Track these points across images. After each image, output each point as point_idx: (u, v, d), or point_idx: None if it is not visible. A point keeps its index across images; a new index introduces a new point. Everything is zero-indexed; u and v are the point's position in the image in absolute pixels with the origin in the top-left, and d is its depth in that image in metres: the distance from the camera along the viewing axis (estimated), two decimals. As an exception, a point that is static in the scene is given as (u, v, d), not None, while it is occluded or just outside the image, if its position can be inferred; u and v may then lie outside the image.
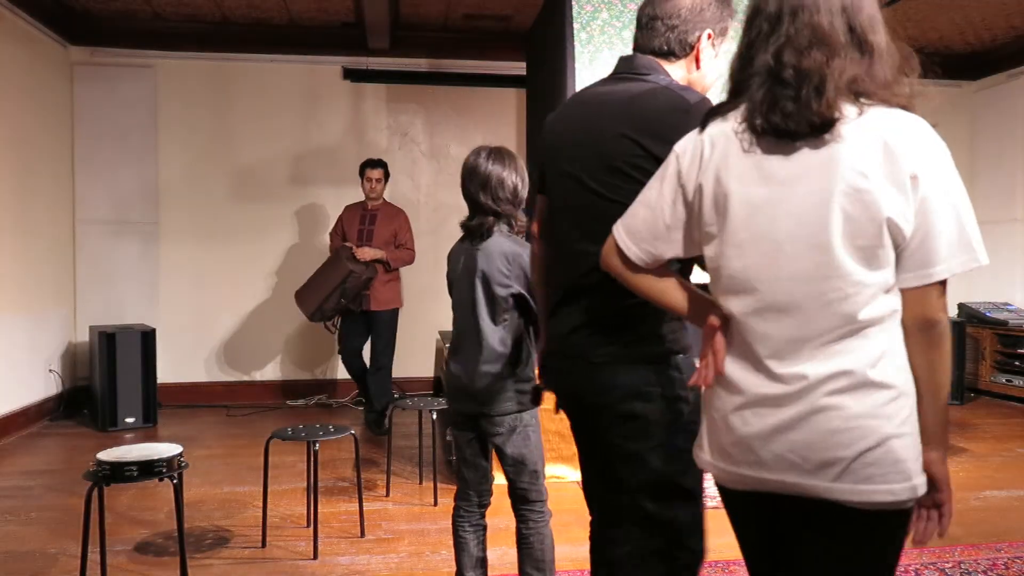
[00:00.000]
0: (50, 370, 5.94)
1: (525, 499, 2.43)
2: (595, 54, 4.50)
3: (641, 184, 1.54)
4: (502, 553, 3.30)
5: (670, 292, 1.51)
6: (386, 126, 6.77)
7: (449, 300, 2.52)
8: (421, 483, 4.28)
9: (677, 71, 1.78)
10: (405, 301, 5.73)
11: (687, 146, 1.46)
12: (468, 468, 2.51)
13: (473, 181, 2.37)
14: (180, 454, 2.83)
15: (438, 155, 6.87)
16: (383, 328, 5.48)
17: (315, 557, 3.24)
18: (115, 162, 6.36)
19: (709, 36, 1.77)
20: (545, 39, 5.12)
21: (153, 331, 5.82)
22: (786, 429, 1.32)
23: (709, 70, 1.81)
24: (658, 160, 1.56)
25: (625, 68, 1.80)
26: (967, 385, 6.60)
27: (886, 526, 1.33)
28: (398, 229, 5.49)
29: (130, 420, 5.61)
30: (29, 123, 5.66)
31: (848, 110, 1.30)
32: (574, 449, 3.98)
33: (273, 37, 6.47)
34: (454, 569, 2.58)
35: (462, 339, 2.45)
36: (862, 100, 1.32)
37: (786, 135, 1.32)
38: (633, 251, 1.50)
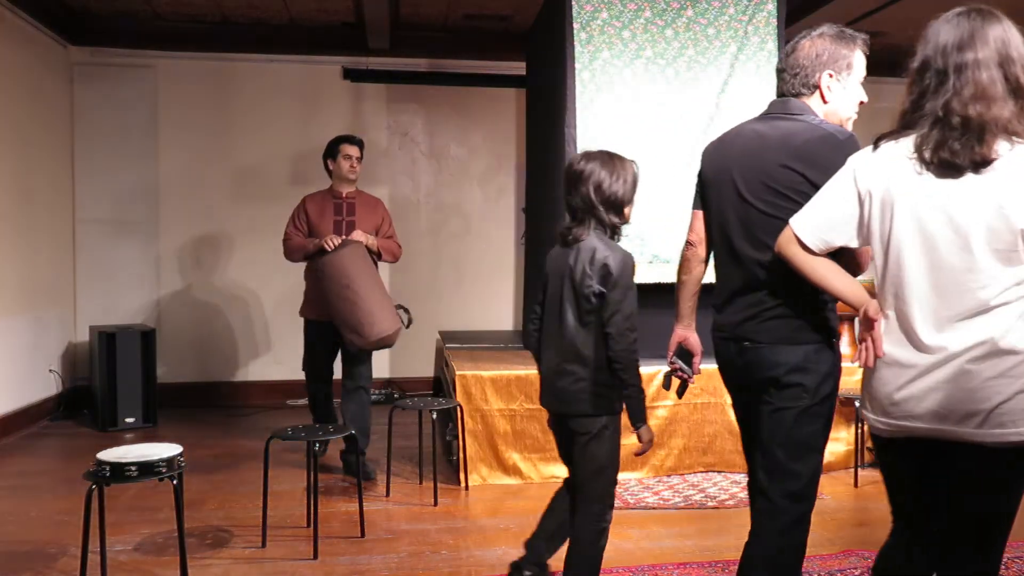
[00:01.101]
0: (50, 370, 5.94)
1: (582, 494, 2.47)
2: (595, 54, 4.50)
3: (799, 204, 1.98)
4: (502, 553, 3.31)
5: (833, 276, 1.90)
6: (386, 126, 6.77)
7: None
8: (421, 483, 4.28)
9: (815, 106, 2.19)
10: (405, 301, 5.72)
11: (863, 158, 1.86)
12: (564, 462, 2.61)
13: (569, 183, 2.43)
14: (180, 454, 2.83)
15: (438, 155, 6.87)
16: None
17: (315, 557, 3.24)
18: (115, 162, 6.36)
19: (830, 75, 2.18)
20: (545, 39, 5.12)
21: (153, 331, 5.82)
22: (935, 390, 1.72)
23: (839, 101, 2.20)
24: (815, 185, 2.00)
25: (780, 109, 2.21)
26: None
27: (1020, 460, 1.71)
28: (381, 221, 4.61)
29: (130, 420, 5.60)
30: (29, 123, 5.66)
31: (1002, 147, 1.66)
32: None
33: (273, 37, 6.47)
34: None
35: (550, 339, 2.50)
36: (1014, 138, 1.66)
37: (951, 167, 1.68)
38: (809, 238, 1.89)
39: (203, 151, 6.52)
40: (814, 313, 2.12)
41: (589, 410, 2.42)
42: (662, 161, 4.56)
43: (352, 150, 4.57)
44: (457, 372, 4.35)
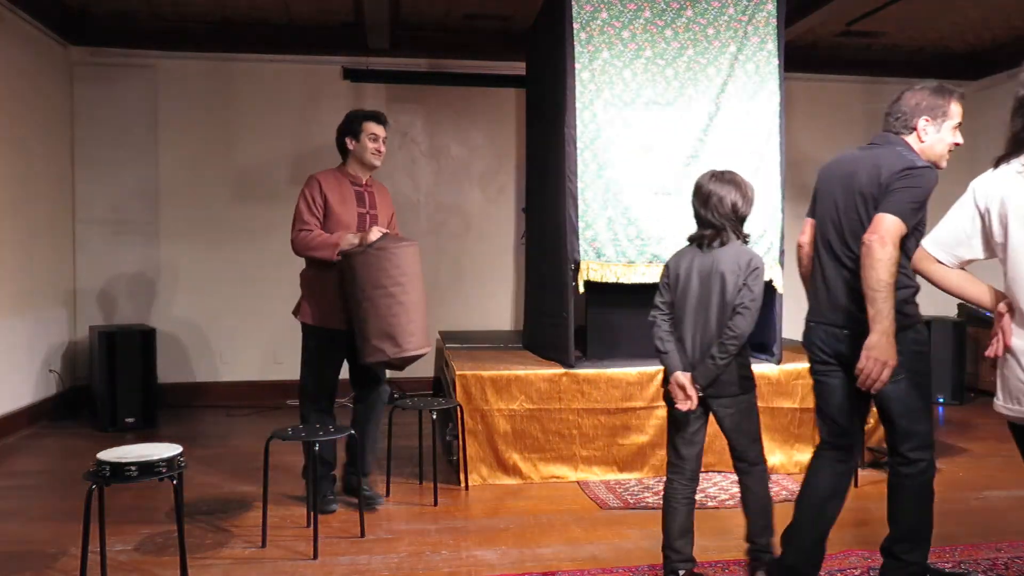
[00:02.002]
0: (50, 370, 5.94)
1: (743, 459, 2.89)
2: (595, 54, 4.50)
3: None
4: (501, 553, 3.31)
5: (969, 285, 2.18)
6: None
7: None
8: (421, 483, 4.28)
9: (912, 143, 2.68)
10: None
11: (982, 179, 2.13)
12: (688, 446, 2.91)
13: (698, 198, 2.89)
14: (180, 454, 2.83)
15: (438, 155, 6.87)
16: None
17: (315, 557, 3.24)
18: (115, 162, 6.36)
19: (927, 120, 2.67)
20: (545, 39, 5.12)
21: (153, 331, 5.82)
22: None
23: (934, 141, 2.68)
24: (887, 193, 2.52)
25: (879, 141, 2.73)
26: (967, 385, 6.60)
27: None
28: (392, 214, 4.13)
29: (130, 420, 5.60)
30: (29, 123, 5.66)
31: None
32: (574, 449, 4.18)
33: (273, 37, 6.47)
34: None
35: (693, 329, 2.85)
36: None
37: None
38: (943, 255, 2.19)
39: (203, 151, 6.52)
40: (899, 304, 2.52)
41: (737, 391, 2.82)
42: (662, 161, 4.56)
43: (379, 129, 3.92)
44: (457, 372, 4.35)
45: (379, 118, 3.95)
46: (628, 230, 4.51)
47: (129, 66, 6.39)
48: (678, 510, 2.90)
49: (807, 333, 2.83)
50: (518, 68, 6.26)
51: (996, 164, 2.11)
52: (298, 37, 6.50)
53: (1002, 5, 5.94)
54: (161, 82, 6.45)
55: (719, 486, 4.23)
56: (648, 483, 4.29)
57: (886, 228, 2.43)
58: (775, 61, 4.63)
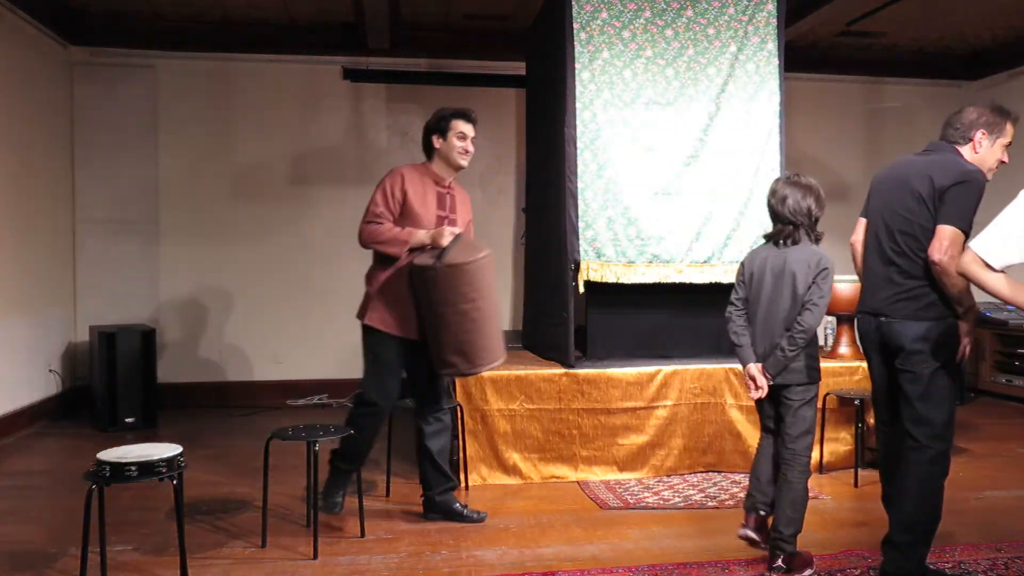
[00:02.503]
0: (50, 370, 5.94)
1: (791, 447, 3.03)
2: (595, 54, 4.50)
3: (931, 212, 2.76)
4: (501, 553, 3.31)
5: (1015, 288, 2.31)
6: (386, 126, 6.77)
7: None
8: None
9: (965, 153, 2.90)
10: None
11: None
12: (770, 421, 3.17)
13: (775, 198, 3.07)
14: (180, 454, 2.83)
15: (438, 155, 6.86)
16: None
17: (315, 557, 3.24)
18: (115, 162, 6.36)
19: (983, 134, 2.90)
20: (545, 39, 5.12)
21: (153, 331, 5.82)
22: None
23: (986, 155, 2.91)
24: (941, 201, 2.74)
25: (934, 147, 2.97)
26: (967, 385, 6.60)
27: None
28: (470, 221, 3.88)
29: (130, 420, 5.60)
30: (29, 123, 5.66)
31: None
32: (574, 449, 4.19)
33: (273, 37, 6.47)
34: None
35: (764, 323, 3.05)
36: None
37: None
38: (992, 259, 2.32)
39: (203, 151, 6.52)
40: (933, 297, 2.79)
41: (804, 380, 3.02)
42: (662, 161, 4.56)
43: (468, 128, 3.68)
44: (457, 372, 4.34)
45: (468, 116, 3.70)
46: (628, 230, 4.51)
47: (129, 66, 6.38)
48: (765, 462, 3.15)
49: (856, 322, 3.14)
50: (518, 68, 6.25)
51: None
52: (298, 37, 6.49)
53: (1002, 5, 5.94)
54: (161, 82, 6.45)
55: (719, 486, 4.23)
56: (648, 483, 4.29)
57: (952, 242, 2.68)
58: (775, 61, 4.63)
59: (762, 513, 3.12)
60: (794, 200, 3.02)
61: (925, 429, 2.80)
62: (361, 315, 3.65)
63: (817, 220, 3.08)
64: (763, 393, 3.04)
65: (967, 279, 2.46)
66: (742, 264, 3.19)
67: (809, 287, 2.97)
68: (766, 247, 3.13)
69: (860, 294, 3.09)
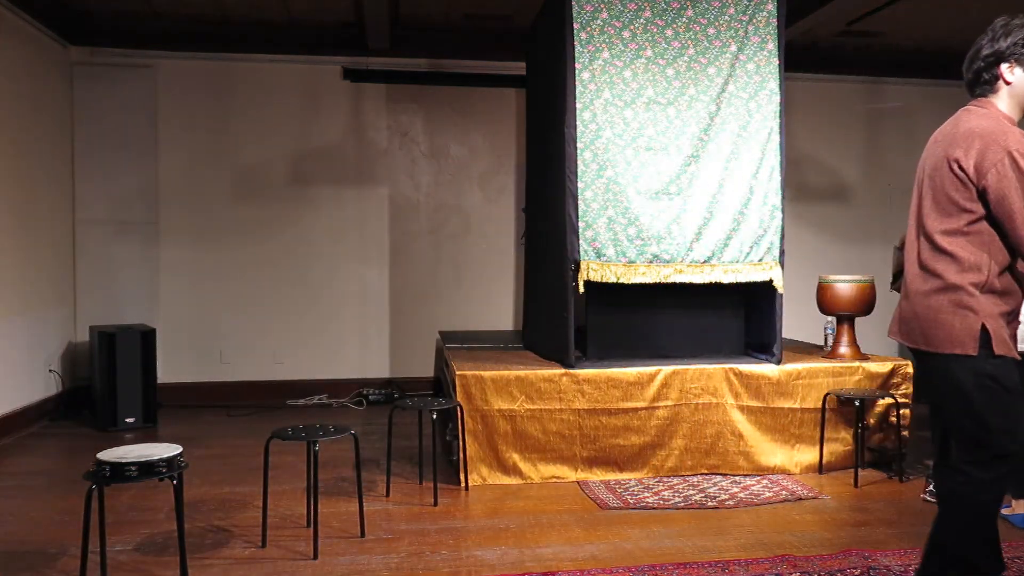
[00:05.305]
0: (50, 370, 5.94)
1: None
2: (595, 54, 4.50)
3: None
4: (501, 553, 3.31)
5: None
6: (386, 126, 6.77)
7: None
8: (421, 483, 4.28)
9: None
10: (405, 301, 5.66)
11: None
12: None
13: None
14: (180, 454, 2.84)
15: (438, 155, 6.87)
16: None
17: (315, 557, 3.24)
18: (115, 162, 6.36)
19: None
20: (545, 39, 5.12)
21: (153, 331, 5.82)
22: None
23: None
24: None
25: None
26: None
27: None
28: None
29: (130, 420, 5.60)
30: (29, 123, 5.66)
31: None
32: (574, 449, 4.16)
33: (273, 37, 6.47)
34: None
35: None
36: None
37: None
38: None
39: (203, 151, 6.52)
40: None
41: None
42: (662, 161, 4.56)
43: None
44: (457, 372, 4.34)
45: None
46: (628, 230, 4.51)
47: (129, 66, 6.38)
48: None
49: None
50: (518, 68, 6.26)
51: None
52: (298, 37, 6.50)
53: (1002, 5, 5.94)
54: (161, 82, 6.45)
55: (719, 486, 4.23)
56: (648, 483, 4.29)
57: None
58: (775, 61, 4.63)
59: None
60: None
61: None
62: (982, 344, 2.41)
63: None
64: None
65: None
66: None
67: None
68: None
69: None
